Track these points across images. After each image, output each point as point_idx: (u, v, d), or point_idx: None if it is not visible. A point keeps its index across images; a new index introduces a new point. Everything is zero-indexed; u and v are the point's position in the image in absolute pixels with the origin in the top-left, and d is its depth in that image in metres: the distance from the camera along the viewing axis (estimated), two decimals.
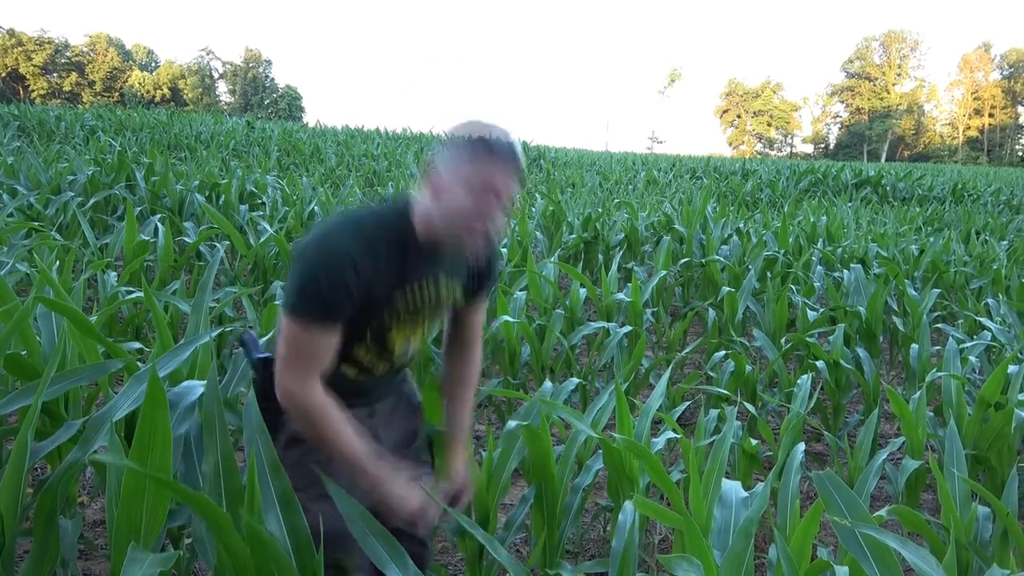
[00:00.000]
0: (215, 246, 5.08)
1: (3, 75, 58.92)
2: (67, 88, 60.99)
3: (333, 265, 1.32)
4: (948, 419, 2.55)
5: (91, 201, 6.17)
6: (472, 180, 1.34)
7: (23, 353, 2.04)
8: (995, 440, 2.56)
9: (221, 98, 69.10)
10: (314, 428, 1.38)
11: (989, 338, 3.76)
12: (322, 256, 1.33)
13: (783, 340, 3.98)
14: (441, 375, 1.78)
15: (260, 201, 7.15)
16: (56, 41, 61.88)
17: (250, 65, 67.63)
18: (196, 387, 1.57)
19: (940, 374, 2.92)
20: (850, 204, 12.43)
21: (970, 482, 1.94)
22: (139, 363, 1.99)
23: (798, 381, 2.82)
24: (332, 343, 1.38)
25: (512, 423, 2.03)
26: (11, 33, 59.50)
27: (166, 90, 64.14)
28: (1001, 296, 5.00)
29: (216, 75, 70.00)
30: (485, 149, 1.34)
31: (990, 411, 2.63)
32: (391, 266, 1.40)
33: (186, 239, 5.19)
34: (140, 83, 63.21)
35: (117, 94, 61.53)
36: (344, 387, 1.47)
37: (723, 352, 3.65)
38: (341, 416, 1.40)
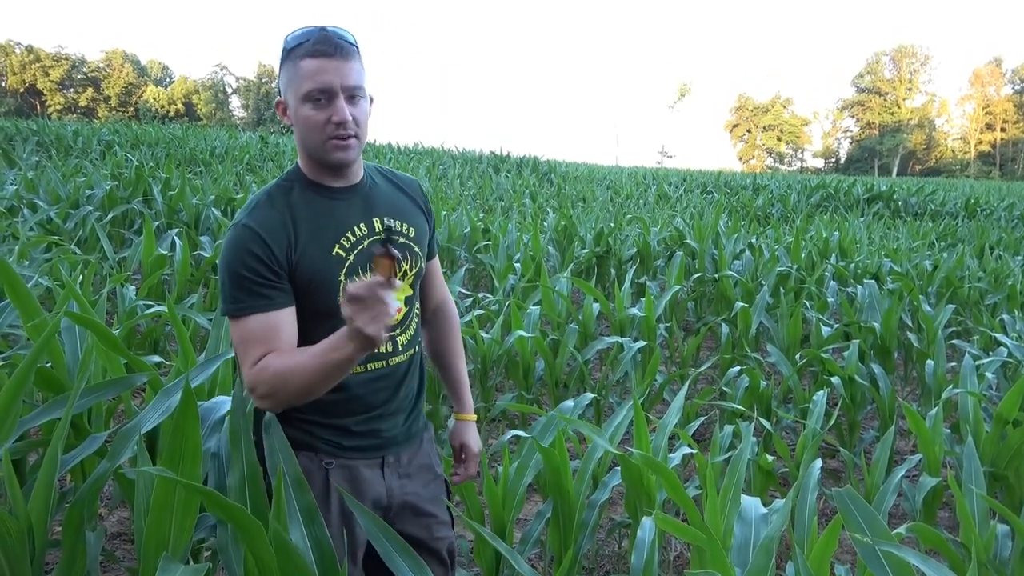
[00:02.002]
0: None
1: (21, 91, 59.85)
2: (83, 103, 61.84)
3: (237, 247, 1.28)
4: (965, 436, 2.54)
5: (109, 215, 6.25)
6: (296, 86, 1.28)
7: (48, 365, 2.08)
8: (1013, 457, 2.54)
9: (234, 113, 69.83)
10: (295, 384, 1.23)
11: (1005, 354, 3.75)
12: (226, 248, 1.30)
13: (797, 356, 3.97)
14: (426, 347, 1.68)
15: None
16: (73, 57, 62.90)
17: (263, 80, 68.31)
18: (225, 402, 1.59)
19: (956, 391, 2.91)
20: (862, 219, 12.40)
21: (989, 499, 1.93)
22: (160, 377, 2.02)
23: (813, 397, 2.82)
24: (276, 324, 1.28)
25: (514, 432, 2.04)
26: (29, 49, 60.47)
27: (180, 105, 64.90)
28: (1016, 312, 4.98)
29: (229, 90, 70.82)
30: (286, 51, 1.30)
31: (1008, 428, 2.62)
32: (305, 216, 1.33)
33: (203, 253, 5.24)
34: (155, 98, 64.00)
35: (132, 109, 62.28)
36: (358, 400, 1.39)
37: (737, 368, 3.64)
38: (296, 353, 1.27)
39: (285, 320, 1.30)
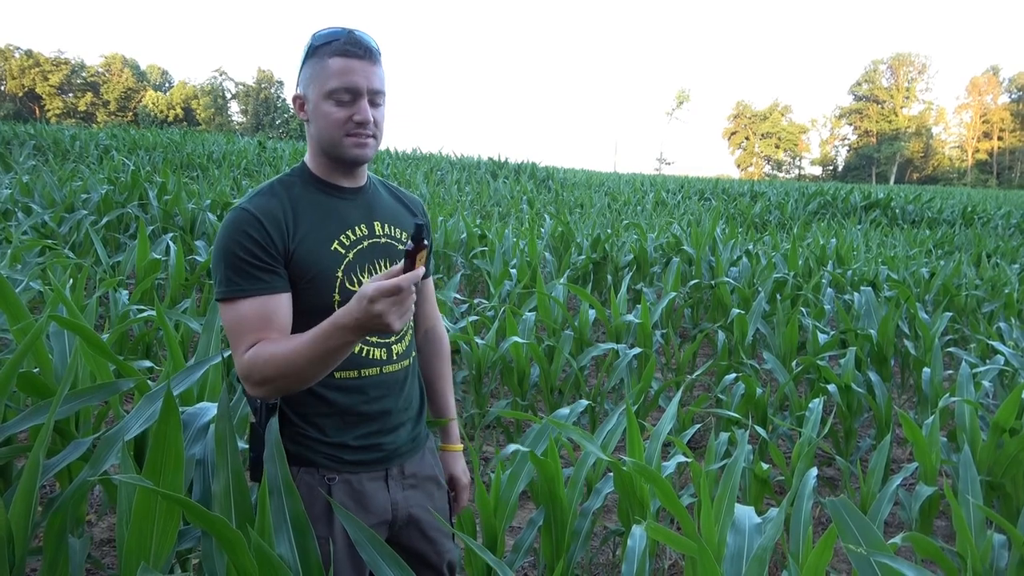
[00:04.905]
0: None
1: (20, 95, 59.89)
2: (82, 108, 61.91)
3: (235, 229, 1.27)
4: (962, 445, 2.52)
5: (104, 220, 6.23)
6: (320, 82, 1.30)
7: (35, 371, 2.05)
8: (1010, 466, 2.52)
9: (233, 118, 69.89)
10: (287, 369, 1.20)
11: (1002, 362, 3.73)
12: (223, 231, 1.29)
13: (794, 363, 3.95)
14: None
15: None
16: (72, 62, 63.00)
17: (262, 86, 68.41)
18: (210, 409, 1.56)
19: (953, 399, 2.89)
20: (859, 226, 12.40)
21: (985, 509, 1.91)
22: (149, 382, 2.00)
23: (809, 405, 2.80)
24: (271, 309, 1.26)
25: (514, 447, 2.02)
26: (29, 54, 60.56)
27: (179, 110, 64.98)
28: (1013, 320, 4.97)
29: (228, 95, 70.85)
30: (312, 48, 1.31)
31: (1004, 437, 2.60)
32: (306, 209, 1.33)
33: (197, 258, 5.22)
34: (154, 103, 64.08)
35: (131, 114, 62.40)
36: (352, 411, 1.37)
37: (733, 375, 3.62)
38: (291, 339, 1.23)
39: (281, 306, 1.28)
